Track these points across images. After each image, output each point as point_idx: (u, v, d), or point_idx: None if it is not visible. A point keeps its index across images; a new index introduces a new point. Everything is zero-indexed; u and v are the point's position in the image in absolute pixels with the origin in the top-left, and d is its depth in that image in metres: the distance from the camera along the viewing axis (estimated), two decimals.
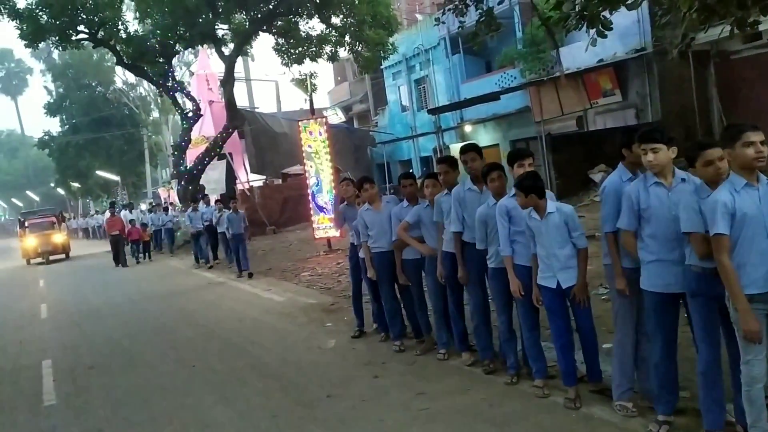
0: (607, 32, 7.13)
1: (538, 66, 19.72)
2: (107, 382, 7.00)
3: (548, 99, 16.67)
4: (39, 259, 24.90)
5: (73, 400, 6.52)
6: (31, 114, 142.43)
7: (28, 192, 65.46)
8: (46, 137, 42.01)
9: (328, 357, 6.87)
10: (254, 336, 8.31)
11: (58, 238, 25.66)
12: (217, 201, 16.03)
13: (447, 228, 5.66)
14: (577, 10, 7.26)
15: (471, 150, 5.53)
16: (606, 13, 7.44)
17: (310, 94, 19.38)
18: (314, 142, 14.49)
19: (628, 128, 4.67)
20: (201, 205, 17.99)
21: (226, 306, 10.87)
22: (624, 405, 4.34)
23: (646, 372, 4.34)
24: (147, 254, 22.10)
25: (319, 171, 14.54)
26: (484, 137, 23.94)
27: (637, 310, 4.37)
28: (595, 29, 7.09)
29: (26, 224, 26.96)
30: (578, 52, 19.15)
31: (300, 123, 15.11)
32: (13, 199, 72.07)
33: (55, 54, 44.60)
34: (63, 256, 25.89)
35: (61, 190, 50.59)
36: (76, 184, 45.20)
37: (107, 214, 25.85)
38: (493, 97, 19.14)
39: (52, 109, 42.56)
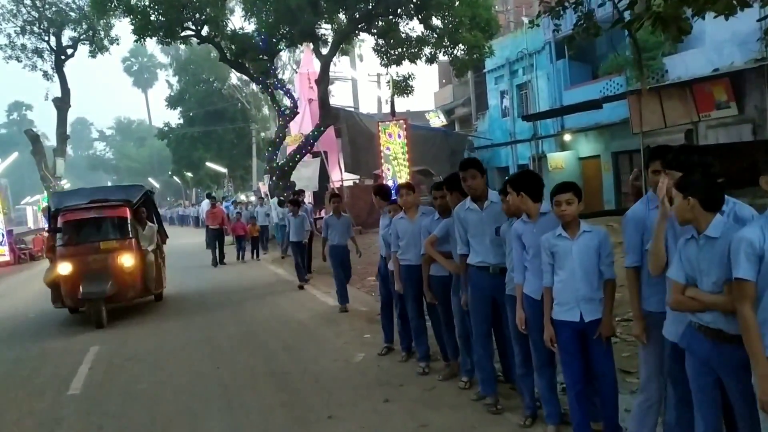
0: (684, 37, 6.36)
1: (647, 74, 18.47)
2: (134, 375, 7.01)
3: (649, 110, 15.41)
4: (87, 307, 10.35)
5: (94, 391, 6.53)
6: (159, 106, 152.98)
7: (150, 179, 69.66)
8: (165, 128, 44.51)
9: (350, 372, 6.50)
10: (291, 340, 8.08)
11: (128, 260, 10.38)
12: (291, 201, 12.94)
13: None
14: (652, 10, 6.49)
15: (471, 167, 5.00)
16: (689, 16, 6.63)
17: (392, 96, 19.06)
18: (393, 144, 14.18)
19: (660, 147, 3.80)
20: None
21: (279, 305, 10.77)
22: None
23: None
24: (255, 252, 19.09)
25: (396, 174, 14.20)
26: (584, 147, 22.78)
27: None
28: (669, 33, 6.31)
29: (60, 223, 10.57)
30: (691, 60, 17.80)
31: (379, 124, 14.83)
32: None
33: (181, 50, 46.93)
34: (150, 297, 11.74)
35: (176, 179, 53.41)
36: (189, 174, 47.59)
37: (205, 204, 25.83)
38: (591, 105, 18.03)
39: (172, 102, 45.01)
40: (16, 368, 7.80)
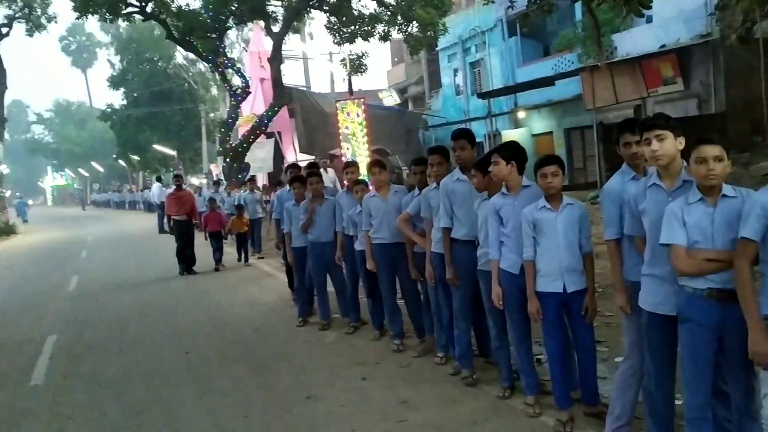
0: (645, 12, 6.48)
1: (597, 51, 18.78)
2: (99, 364, 6.79)
3: (602, 86, 15.74)
4: None
5: (59, 381, 6.32)
6: (99, 86, 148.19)
7: (93, 163, 67.49)
8: (108, 110, 43.12)
9: (323, 352, 6.47)
10: (261, 323, 7.99)
11: None
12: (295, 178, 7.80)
13: (436, 225, 5.17)
14: None
15: (461, 137, 5.01)
16: None
17: (349, 74, 18.90)
18: (351, 123, 14.08)
19: (627, 120, 3.85)
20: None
21: (245, 290, 10.63)
22: None
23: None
24: (243, 254, 13.66)
25: (356, 153, 14.12)
26: (537, 124, 23.09)
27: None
28: (632, 9, 6.41)
29: None
30: (639, 37, 18.16)
31: (337, 103, 14.69)
32: (80, 170, 74.54)
33: (122, 28, 45.34)
34: None
35: (122, 162, 51.83)
36: (135, 157, 46.27)
37: (156, 188, 24.28)
38: (544, 82, 18.28)
39: (115, 83, 43.55)
40: None
